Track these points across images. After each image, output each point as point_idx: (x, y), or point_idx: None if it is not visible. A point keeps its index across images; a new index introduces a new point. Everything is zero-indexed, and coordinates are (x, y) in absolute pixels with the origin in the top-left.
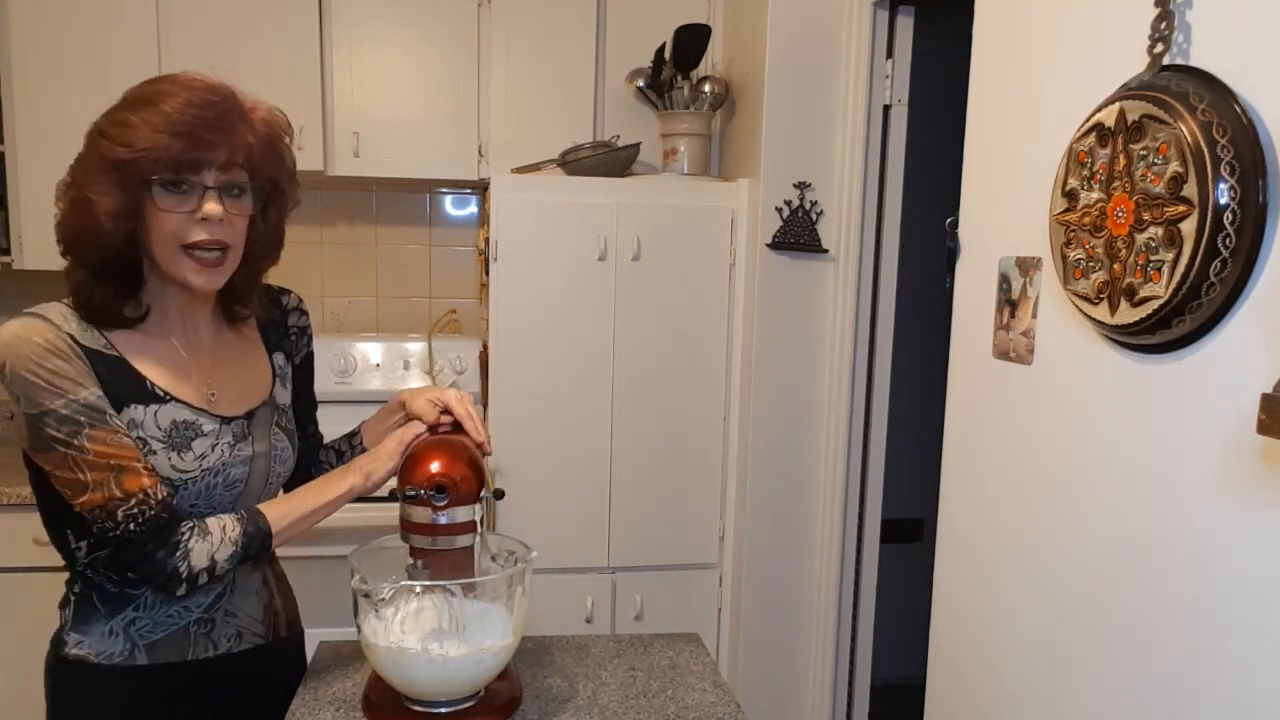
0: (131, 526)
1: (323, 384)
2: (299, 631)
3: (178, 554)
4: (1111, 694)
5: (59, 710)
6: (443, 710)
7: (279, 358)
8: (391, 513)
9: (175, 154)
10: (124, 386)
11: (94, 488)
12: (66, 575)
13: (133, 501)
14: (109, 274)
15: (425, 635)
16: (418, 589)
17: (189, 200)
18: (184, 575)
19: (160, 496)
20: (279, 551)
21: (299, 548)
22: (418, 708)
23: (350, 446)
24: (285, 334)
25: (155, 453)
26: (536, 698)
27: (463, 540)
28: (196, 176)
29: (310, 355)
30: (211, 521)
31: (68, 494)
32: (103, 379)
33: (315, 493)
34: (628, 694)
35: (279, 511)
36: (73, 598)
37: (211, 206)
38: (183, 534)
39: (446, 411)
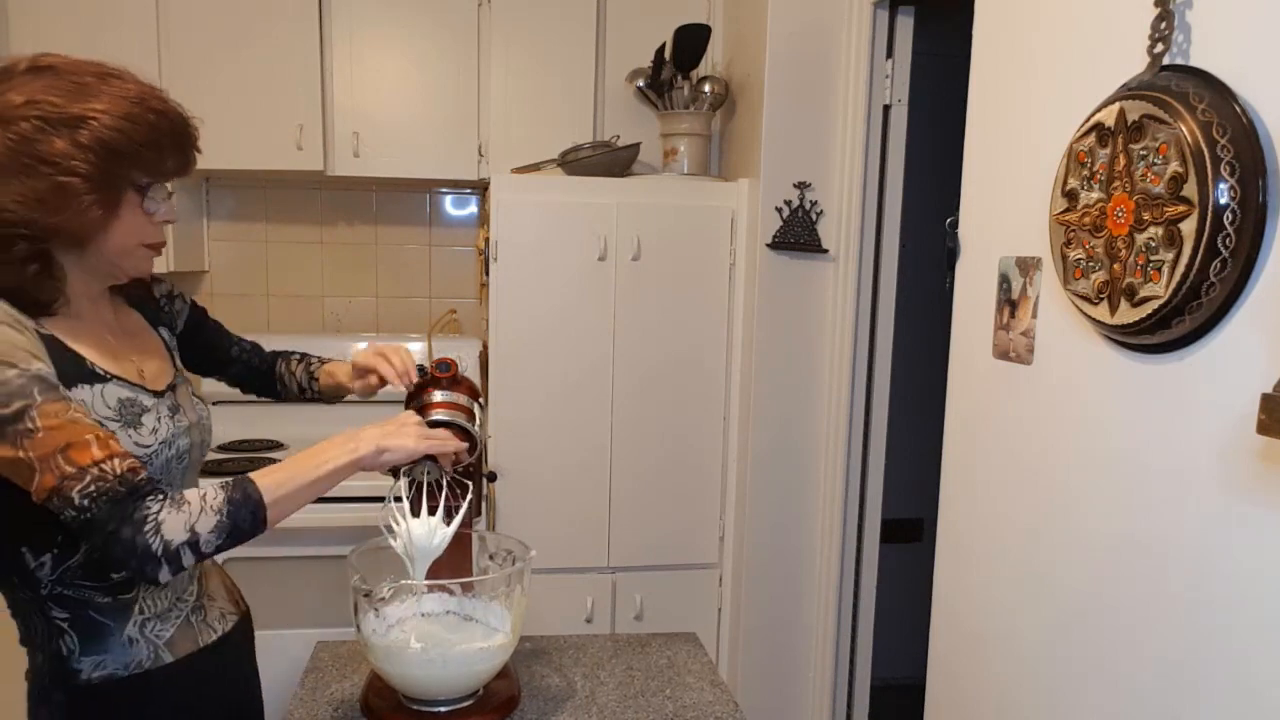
0: (88, 504)
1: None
2: (248, 605)
3: (146, 528)
4: (1111, 692)
5: None
6: (441, 709)
7: (164, 332)
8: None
9: (180, 161)
10: (67, 367)
11: (43, 470)
12: (30, 610)
13: (87, 479)
14: (40, 263)
15: (424, 634)
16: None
17: (165, 203)
18: (158, 552)
19: (118, 470)
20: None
21: (298, 548)
22: (416, 707)
23: (310, 381)
24: (159, 307)
25: (114, 434)
26: (535, 697)
27: (463, 421)
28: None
29: (193, 307)
30: (189, 491)
31: (20, 483)
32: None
33: (312, 460)
34: (626, 693)
35: (271, 480)
36: (62, 624)
37: (173, 212)
38: (150, 507)
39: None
